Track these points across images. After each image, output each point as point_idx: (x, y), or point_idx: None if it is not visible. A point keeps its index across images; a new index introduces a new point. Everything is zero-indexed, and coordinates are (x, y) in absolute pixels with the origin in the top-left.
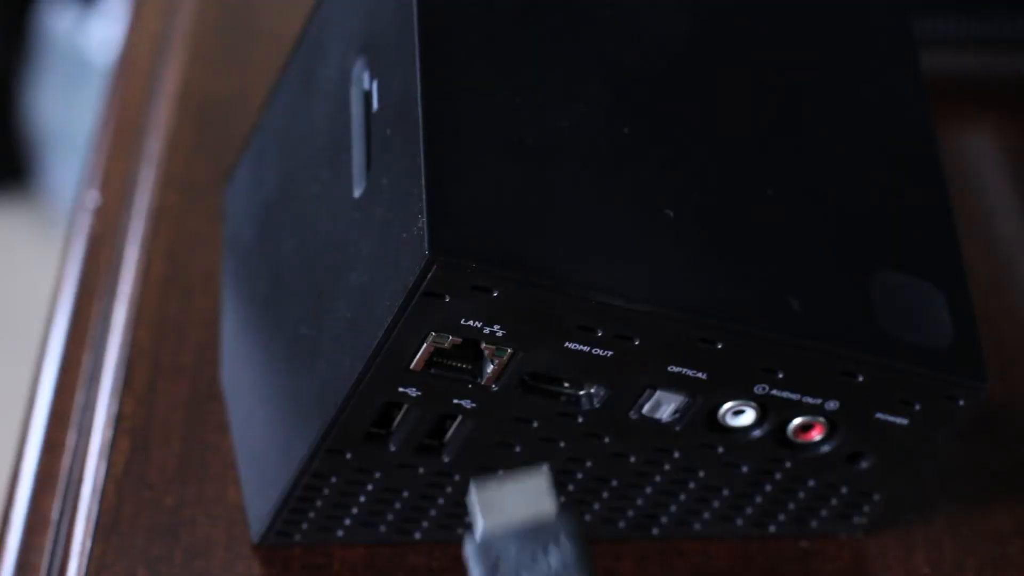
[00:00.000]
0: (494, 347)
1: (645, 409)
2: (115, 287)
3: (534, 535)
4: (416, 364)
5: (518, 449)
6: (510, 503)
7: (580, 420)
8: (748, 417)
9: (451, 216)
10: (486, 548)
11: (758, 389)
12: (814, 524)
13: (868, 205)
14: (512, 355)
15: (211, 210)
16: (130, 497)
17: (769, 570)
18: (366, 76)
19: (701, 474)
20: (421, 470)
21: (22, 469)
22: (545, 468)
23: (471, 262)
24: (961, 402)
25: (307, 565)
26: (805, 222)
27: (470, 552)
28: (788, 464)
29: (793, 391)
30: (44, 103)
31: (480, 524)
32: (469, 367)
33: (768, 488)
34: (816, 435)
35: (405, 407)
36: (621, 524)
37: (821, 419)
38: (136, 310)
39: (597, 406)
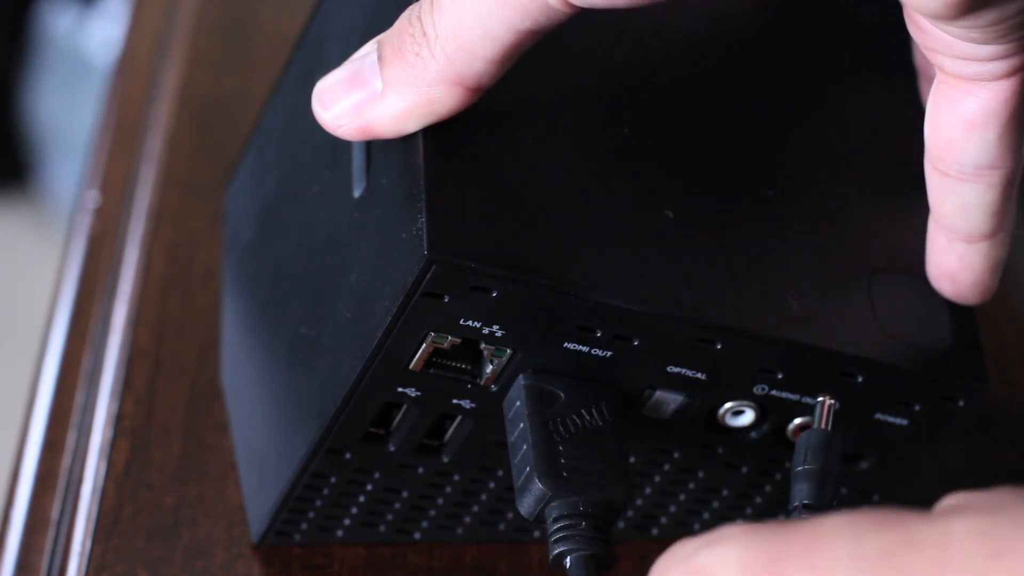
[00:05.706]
0: (493, 347)
1: (645, 409)
2: (115, 287)
3: (586, 390)
4: (415, 364)
5: None
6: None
7: None
8: (748, 417)
9: (450, 216)
10: (540, 387)
11: (758, 389)
12: None
13: (868, 206)
14: (511, 355)
15: (211, 210)
16: (130, 497)
17: None
18: None
19: (701, 474)
20: (421, 470)
21: (22, 469)
22: None
23: (470, 262)
24: (961, 403)
25: (307, 565)
26: (805, 223)
27: (522, 384)
28: (788, 464)
29: (793, 391)
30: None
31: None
32: (468, 367)
33: (768, 488)
34: None
35: (404, 407)
36: (621, 524)
37: None
38: (136, 310)
39: None
